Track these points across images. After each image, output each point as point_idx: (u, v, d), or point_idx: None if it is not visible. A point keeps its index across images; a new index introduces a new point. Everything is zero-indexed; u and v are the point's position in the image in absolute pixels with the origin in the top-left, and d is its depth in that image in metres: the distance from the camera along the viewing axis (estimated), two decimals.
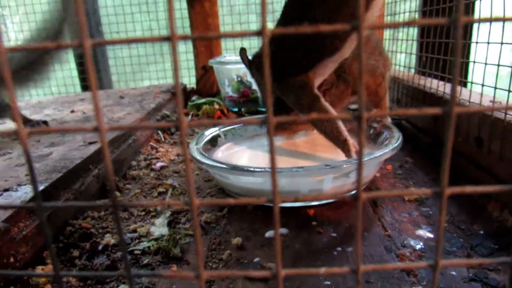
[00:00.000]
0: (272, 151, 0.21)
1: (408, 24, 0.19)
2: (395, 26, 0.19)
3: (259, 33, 0.19)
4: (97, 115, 0.21)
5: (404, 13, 1.38)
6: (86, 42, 0.20)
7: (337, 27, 0.20)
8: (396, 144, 0.83)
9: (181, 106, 0.20)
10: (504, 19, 0.19)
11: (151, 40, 0.19)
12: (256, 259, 0.68)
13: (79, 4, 0.20)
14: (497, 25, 0.82)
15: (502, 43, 0.79)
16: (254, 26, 2.09)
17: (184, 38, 0.19)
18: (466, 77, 1.05)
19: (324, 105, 0.85)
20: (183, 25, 2.03)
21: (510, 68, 0.74)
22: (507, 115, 0.77)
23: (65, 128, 0.20)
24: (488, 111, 0.20)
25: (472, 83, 0.94)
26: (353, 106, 1.36)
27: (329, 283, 0.61)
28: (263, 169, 0.75)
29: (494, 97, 0.82)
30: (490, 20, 0.20)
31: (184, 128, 0.21)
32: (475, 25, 1.02)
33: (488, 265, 0.59)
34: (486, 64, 0.84)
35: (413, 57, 1.33)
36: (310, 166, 0.75)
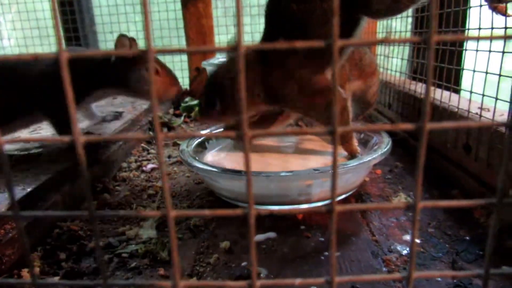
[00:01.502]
0: (247, 163, 0.21)
1: (382, 41, 0.19)
2: (369, 44, 0.19)
3: (235, 48, 0.20)
4: (73, 126, 0.21)
5: (401, 17, 1.39)
6: (63, 54, 0.20)
7: (313, 44, 0.20)
8: (386, 149, 0.84)
9: (157, 118, 0.21)
10: (478, 38, 0.19)
11: (124, 54, 0.19)
12: (244, 263, 0.68)
13: (55, 11, 0.20)
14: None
15: (490, 51, 0.80)
16: (249, 28, 2.09)
17: (161, 51, 0.19)
18: (459, 84, 1.05)
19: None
20: (177, 26, 2.02)
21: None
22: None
23: (39, 138, 0.20)
24: (461, 127, 0.21)
25: (461, 89, 0.95)
26: None
27: (315, 287, 0.61)
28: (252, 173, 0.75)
29: (482, 103, 0.83)
30: (466, 38, 0.20)
31: (160, 140, 0.21)
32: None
33: (465, 277, 0.59)
34: (474, 71, 0.85)
35: (406, 61, 1.34)
36: (299, 170, 0.76)
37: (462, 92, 0.98)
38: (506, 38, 0.19)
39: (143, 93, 1.01)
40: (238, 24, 0.19)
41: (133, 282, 0.22)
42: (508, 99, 0.73)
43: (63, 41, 0.20)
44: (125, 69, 0.97)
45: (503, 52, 0.75)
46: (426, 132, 0.20)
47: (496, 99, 0.77)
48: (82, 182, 0.21)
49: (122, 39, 0.92)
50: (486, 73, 0.80)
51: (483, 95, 0.81)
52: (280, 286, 0.23)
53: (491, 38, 0.73)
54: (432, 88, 1.01)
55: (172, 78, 1.02)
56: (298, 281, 0.23)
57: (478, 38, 0.20)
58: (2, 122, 0.95)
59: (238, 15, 0.19)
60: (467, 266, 0.66)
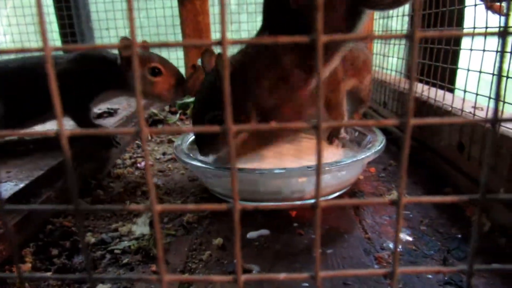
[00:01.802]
0: (232, 159, 0.21)
1: (365, 38, 0.19)
2: (354, 38, 0.19)
3: (219, 42, 0.20)
4: (58, 121, 0.21)
5: (397, 16, 1.39)
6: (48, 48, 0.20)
7: (296, 39, 0.20)
8: (379, 147, 0.84)
9: (142, 114, 0.21)
10: (461, 34, 0.19)
11: (109, 48, 0.19)
12: (235, 260, 0.68)
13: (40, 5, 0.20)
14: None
15: (484, 50, 0.80)
16: (245, 26, 2.09)
17: (144, 45, 0.19)
18: (453, 83, 1.06)
19: None
20: (173, 23, 2.02)
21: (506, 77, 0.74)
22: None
23: (24, 133, 0.20)
24: (444, 123, 0.21)
25: (455, 89, 0.95)
26: None
27: (307, 285, 0.61)
28: (243, 170, 0.75)
29: (475, 103, 0.84)
30: (450, 35, 0.20)
31: (144, 135, 0.21)
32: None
33: (449, 273, 0.60)
34: (468, 70, 0.85)
35: (403, 61, 1.34)
36: (292, 167, 0.76)
37: (457, 91, 0.98)
38: (486, 35, 0.19)
39: (146, 95, 1.01)
40: (222, 19, 0.19)
41: (120, 276, 0.22)
42: (508, 99, 0.73)
43: (47, 35, 0.20)
44: (127, 71, 0.97)
45: (497, 52, 0.76)
46: (410, 127, 0.20)
47: (490, 98, 0.77)
48: (68, 175, 0.21)
49: (125, 41, 0.92)
50: (480, 72, 0.81)
51: (477, 94, 0.82)
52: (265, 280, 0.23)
53: (473, 35, 0.73)
54: (426, 87, 1.01)
55: (177, 78, 1.01)
56: (282, 275, 0.23)
57: (460, 35, 0.20)
58: (21, 120, 0.98)
59: (222, 9, 0.19)
60: (458, 263, 0.66)
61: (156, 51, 1.05)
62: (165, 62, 1.02)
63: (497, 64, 0.72)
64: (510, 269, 0.22)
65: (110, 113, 1.31)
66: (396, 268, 0.22)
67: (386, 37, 0.19)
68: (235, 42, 0.19)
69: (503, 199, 0.22)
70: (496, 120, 0.20)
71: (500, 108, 0.72)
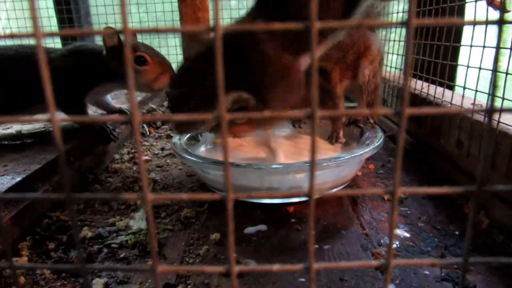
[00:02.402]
0: (226, 149, 0.21)
1: (358, 26, 0.19)
2: (347, 27, 0.19)
3: (213, 29, 0.19)
4: (50, 106, 0.21)
5: (397, 13, 1.38)
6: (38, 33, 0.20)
7: (290, 26, 0.20)
8: (378, 144, 0.84)
9: (134, 101, 0.20)
10: (458, 23, 0.19)
11: (100, 33, 0.19)
12: (233, 255, 0.68)
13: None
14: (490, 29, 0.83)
15: (484, 47, 0.80)
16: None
17: (136, 31, 0.19)
18: (453, 80, 1.05)
19: None
20: (173, 18, 2.01)
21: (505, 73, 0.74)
22: (486, 118, 0.78)
23: (13, 119, 0.20)
24: (440, 113, 0.20)
25: (455, 85, 0.95)
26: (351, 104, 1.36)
27: (303, 280, 0.61)
28: (240, 165, 0.75)
29: (474, 99, 0.83)
30: (446, 23, 0.20)
31: (136, 123, 0.20)
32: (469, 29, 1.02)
33: (446, 265, 0.60)
34: (468, 67, 0.85)
35: (403, 58, 1.34)
36: (289, 163, 0.76)
37: (458, 89, 0.98)
38: (475, 23, 0.19)
39: (137, 86, 1.00)
40: (216, 6, 0.19)
41: (113, 266, 0.22)
42: (508, 97, 0.73)
43: (38, 21, 0.20)
44: (117, 62, 0.96)
45: (497, 48, 0.75)
46: (405, 117, 0.20)
47: (489, 94, 0.77)
48: (59, 163, 0.21)
49: (109, 30, 0.91)
50: (480, 69, 0.80)
51: (476, 90, 0.81)
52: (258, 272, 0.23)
53: (474, 24, 0.73)
54: (426, 84, 1.01)
55: (164, 67, 1.00)
56: (276, 267, 0.22)
57: (457, 23, 0.20)
58: (18, 108, 0.97)
59: None
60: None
61: (155, 46, 1.04)
62: (151, 51, 1.01)
63: (493, 54, 0.72)
64: (504, 262, 0.22)
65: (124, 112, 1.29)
66: (390, 260, 0.22)
67: (381, 24, 0.18)
68: (228, 29, 0.19)
69: (499, 191, 0.22)
70: (493, 110, 0.20)
71: (499, 102, 0.71)
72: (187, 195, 0.22)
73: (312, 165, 0.21)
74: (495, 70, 0.21)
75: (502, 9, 0.72)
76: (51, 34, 0.20)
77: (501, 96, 0.72)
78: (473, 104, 0.85)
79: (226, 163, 0.21)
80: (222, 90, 0.20)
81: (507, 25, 0.20)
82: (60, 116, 0.21)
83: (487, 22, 0.20)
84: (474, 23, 0.20)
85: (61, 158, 0.21)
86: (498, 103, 0.78)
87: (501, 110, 0.20)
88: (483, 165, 0.22)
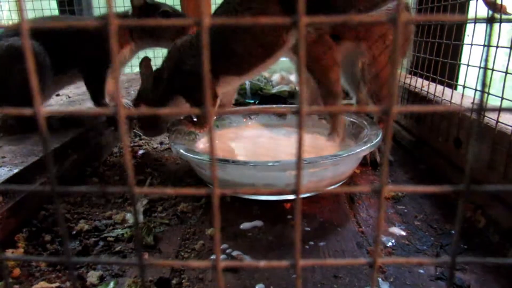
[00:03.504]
0: (212, 143, 0.21)
1: (346, 20, 0.18)
2: (333, 22, 0.19)
3: (198, 22, 0.19)
4: (35, 99, 0.21)
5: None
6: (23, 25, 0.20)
7: (277, 20, 0.19)
8: (375, 141, 0.84)
9: (119, 93, 0.20)
10: (447, 20, 0.19)
11: (85, 27, 0.19)
12: (228, 250, 0.68)
13: None
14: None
15: (484, 45, 0.79)
16: None
17: (122, 24, 0.19)
18: (453, 78, 1.05)
19: None
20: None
21: (502, 73, 0.74)
22: (485, 117, 0.77)
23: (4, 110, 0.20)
24: (428, 111, 0.20)
25: (454, 84, 0.94)
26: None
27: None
28: (237, 162, 0.75)
29: (474, 99, 0.83)
30: (433, 19, 0.20)
31: (122, 116, 0.20)
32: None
33: (434, 264, 0.59)
34: (468, 65, 0.85)
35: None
36: (286, 160, 0.75)
37: (460, 87, 0.97)
38: (466, 21, 0.19)
39: (164, 41, 1.09)
40: None
41: (97, 260, 0.22)
42: (508, 97, 0.73)
43: (25, 12, 0.20)
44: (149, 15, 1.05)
45: (497, 47, 0.75)
46: (393, 114, 0.20)
47: (488, 94, 0.77)
48: (44, 153, 0.21)
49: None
50: (479, 67, 0.80)
51: (475, 89, 0.81)
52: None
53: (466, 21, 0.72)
54: (426, 82, 1.00)
55: (186, 20, 1.10)
56: (262, 263, 0.22)
57: (445, 20, 0.20)
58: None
59: None
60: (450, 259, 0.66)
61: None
62: (172, 8, 1.13)
63: (484, 53, 0.72)
64: (492, 262, 0.22)
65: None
66: (376, 258, 0.22)
67: (369, 20, 0.18)
68: (214, 22, 0.19)
69: (488, 190, 0.22)
70: (481, 109, 0.20)
71: (499, 103, 0.71)
72: (173, 190, 0.21)
73: (299, 162, 0.21)
74: (485, 68, 0.21)
75: (493, 8, 0.71)
76: (37, 26, 0.20)
77: (501, 95, 0.71)
78: (473, 103, 0.84)
79: (212, 158, 0.21)
80: (208, 83, 0.20)
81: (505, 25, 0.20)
82: (46, 109, 0.21)
83: (475, 20, 0.19)
84: (465, 20, 0.19)
85: (46, 146, 0.21)
86: (497, 102, 0.78)
87: (485, 109, 0.20)
88: (471, 163, 0.22)
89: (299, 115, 0.20)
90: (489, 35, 0.20)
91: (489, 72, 0.77)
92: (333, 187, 0.86)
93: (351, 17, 0.18)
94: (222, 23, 0.19)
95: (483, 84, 0.20)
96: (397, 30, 0.19)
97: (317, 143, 0.99)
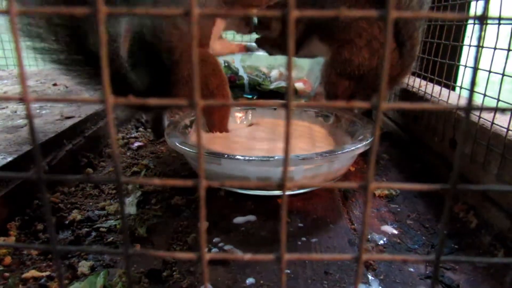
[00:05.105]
0: (199, 134, 0.21)
1: (336, 15, 0.18)
2: (326, 15, 0.19)
3: (187, 13, 0.19)
4: (22, 85, 0.20)
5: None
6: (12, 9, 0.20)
7: (268, 13, 0.19)
8: (371, 140, 0.84)
9: (107, 82, 0.20)
10: (435, 17, 0.19)
11: (76, 14, 0.18)
12: (220, 244, 0.68)
13: None
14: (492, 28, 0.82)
15: (481, 47, 0.79)
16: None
17: (112, 12, 0.19)
18: (451, 79, 1.05)
19: None
20: None
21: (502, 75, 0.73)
22: (480, 119, 0.78)
23: None
24: (417, 109, 0.20)
25: (452, 85, 0.94)
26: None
27: (289, 271, 0.61)
28: (230, 156, 0.75)
29: (470, 99, 0.83)
30: (424, 15, 0.20)
31: (109, 105, 0.20)
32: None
33: (418, 262, 0.60)
34: (466, 67, 0.85)
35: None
36: (279, 156, 0.75)
37: (457, 89, 0.97)
38: (458, 20, 0.19)
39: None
40: None
41: (84, 248, 0.22)
42: (506, 99, 0.73)
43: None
44: None
45: (495, 49, 0.75)
46: (381, 110, 0.20)
47: (484, 95, 0.77)
48: (31, 143, 0.20)
49: None
50: (476, 69, 0.80)
51: (471, 91, 0.81)
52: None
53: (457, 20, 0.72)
54: (424, 82, 1.00)
55: None
56: (247, 256, 0.22)
57: (437, 17, 0.20)
58: None
59: None
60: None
61: None
62: None
63: (473, 53, 0.72)
64: (478, 261, 0.22)
65: None
66: (361, 254, 0.22)
67: (357, 15, 0.18)
68: (203, 13, 0.19)
69: (474, 190, 0.22)
70: (470, 108, 0.20)
71: (495, 104, 0.71)
72: (159, 181, 0.21)
73: (286, 157, 0.21)
74: (475, 68, 0.21)
75: None
76: (26, 11, 0.20)
77: (497, 98, 0.71)
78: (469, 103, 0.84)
79: (200, 149, 0.21)
80: (197, 73, 0.20)
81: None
82: (32, 96, 0.21)
83: (467, 17, 0.19)
84: (458, 19, 0.19)
85: (35, 144, 0.21)
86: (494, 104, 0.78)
87: (471, 108, 0.20)
88: (459, 162, 0.22)
89: (287, 108, 0.20)
90: (479, 35, 0.20)
91: (479, 71, 0.77)
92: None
93: (340, 12, 0.18)
94: (211, 14, 0.19)
95: (472, 83, 0.20)
96: (389, 27, 0.19)
97: (314, 139, 0.99)
